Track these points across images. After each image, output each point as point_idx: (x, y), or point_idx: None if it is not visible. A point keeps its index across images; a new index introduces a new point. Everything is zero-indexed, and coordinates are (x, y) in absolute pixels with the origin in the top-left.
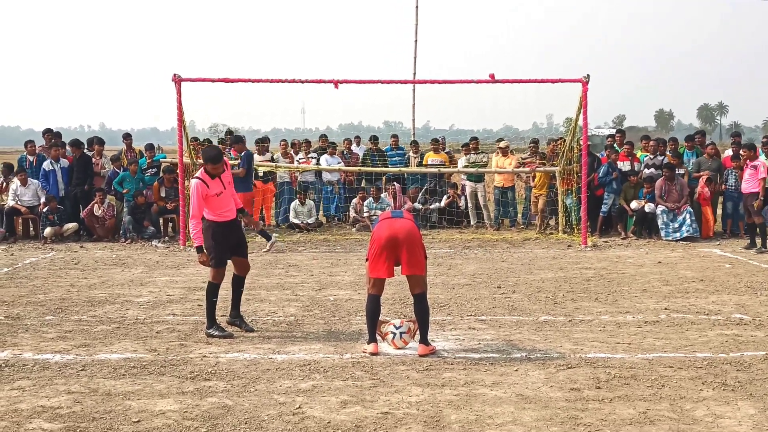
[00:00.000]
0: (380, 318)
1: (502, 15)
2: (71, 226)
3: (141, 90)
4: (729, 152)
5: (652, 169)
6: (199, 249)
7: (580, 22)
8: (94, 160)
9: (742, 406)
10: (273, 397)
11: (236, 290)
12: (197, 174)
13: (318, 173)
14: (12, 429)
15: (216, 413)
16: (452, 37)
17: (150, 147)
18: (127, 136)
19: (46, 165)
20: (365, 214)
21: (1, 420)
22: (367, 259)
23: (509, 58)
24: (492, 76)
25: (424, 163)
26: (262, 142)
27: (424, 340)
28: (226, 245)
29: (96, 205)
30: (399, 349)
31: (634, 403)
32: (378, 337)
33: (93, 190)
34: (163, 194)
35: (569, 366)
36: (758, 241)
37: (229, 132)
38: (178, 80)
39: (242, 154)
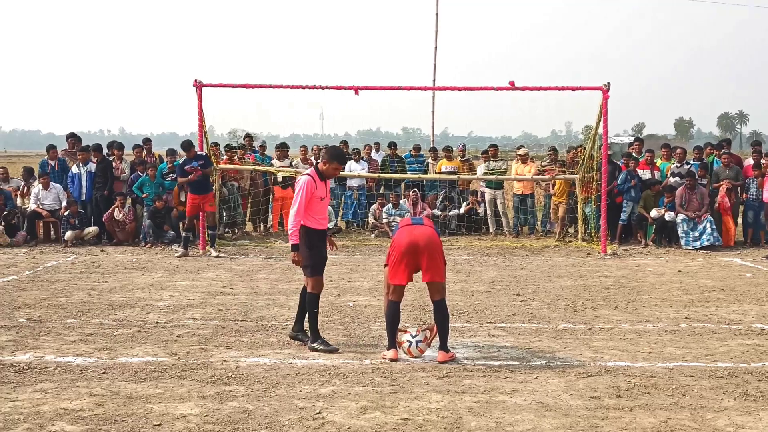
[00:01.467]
0: (398, 326)
1: (521, 21)
2: (92, 229)
3: (161, 95)
4: (750, 161)
5: (677, 178)
6: (294, 247)
7: (601, 29)
8: (114, 164)
9: (763, 417)
10: (293, 402)
11: (303, 304)
12: (307, 171)
13: (338, 179)
14: (35, 431)
15: (236, 417)
16: (471, 44)
17: (171, 152)
18: (146, 141)
19: (75, 168)
20: (384, 221)
21: (24, 422)
22: (386, 265)
23: (528, 65)
24: (512, 83)
25: (437, 170)
26: (282, 148)
27: (443, 347)
28: (320, 253)
29: (116, 209)
30: (415, 357)
31: (654, 412)
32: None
33: (114, 195)
34: (183, 199)
35: (589, 374)
36: None
37: (248, 136)
38: (199, 86)
39: (202, 154)
